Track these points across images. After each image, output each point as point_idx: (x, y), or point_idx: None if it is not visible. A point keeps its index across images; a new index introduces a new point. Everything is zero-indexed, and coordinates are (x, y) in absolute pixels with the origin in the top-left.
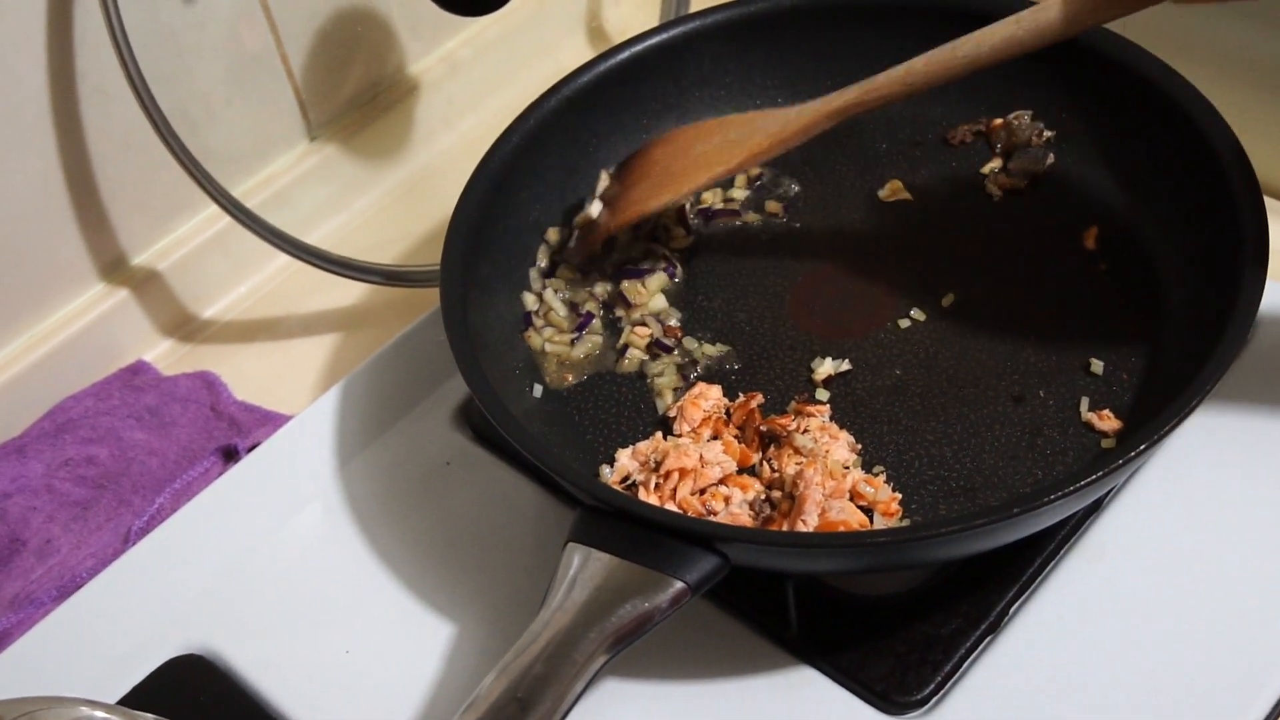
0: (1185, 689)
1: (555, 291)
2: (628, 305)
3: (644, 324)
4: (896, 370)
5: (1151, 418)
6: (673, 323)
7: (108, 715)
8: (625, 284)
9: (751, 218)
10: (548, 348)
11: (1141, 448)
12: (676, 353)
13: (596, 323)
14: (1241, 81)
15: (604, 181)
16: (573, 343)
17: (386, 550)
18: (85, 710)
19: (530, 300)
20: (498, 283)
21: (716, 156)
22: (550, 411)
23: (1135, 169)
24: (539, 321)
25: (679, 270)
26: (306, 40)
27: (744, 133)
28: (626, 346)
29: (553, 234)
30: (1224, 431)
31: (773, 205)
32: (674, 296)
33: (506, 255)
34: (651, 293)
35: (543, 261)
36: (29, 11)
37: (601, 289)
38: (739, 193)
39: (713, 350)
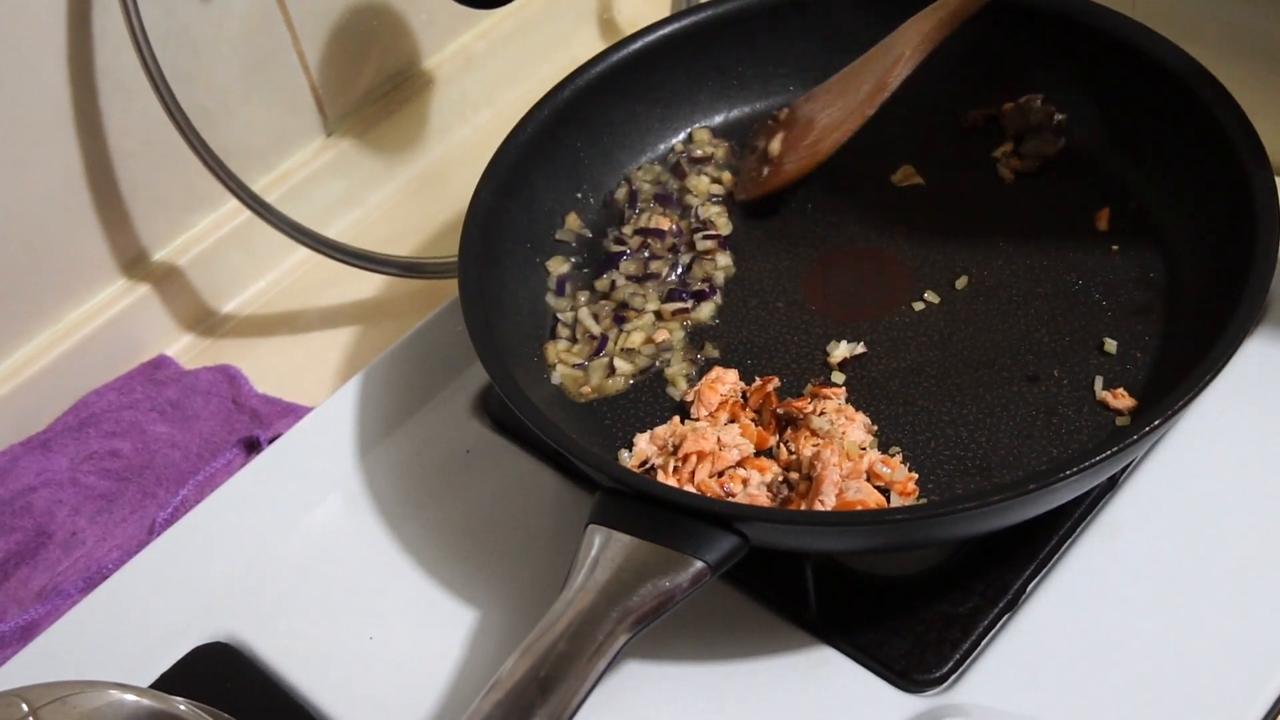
0: (1203, 665)
1: (588, 309)
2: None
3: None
4: (911, 352)
5: (1165, 395)
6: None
7: (139, 698)
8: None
9: (766, 204)
10: (562, 368)
11: (1155, 423)
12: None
13: (612, 345)
14: (1251, 61)
15: (776, 142)
16: (585, 367)
17: (407, 538)
18: (116, 694)
19: (563, 316)
20: (514, 272)
21: (869, 87)
22: (568, 398)
23: (1146, 150)
24: (564, 333)
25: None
26: (322, 36)
27: (882, 59)
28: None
29: (557, 262)
30: (1239, 408)
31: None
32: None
33: (522, 245)
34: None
35: (558, 269)
36: (49, 11)
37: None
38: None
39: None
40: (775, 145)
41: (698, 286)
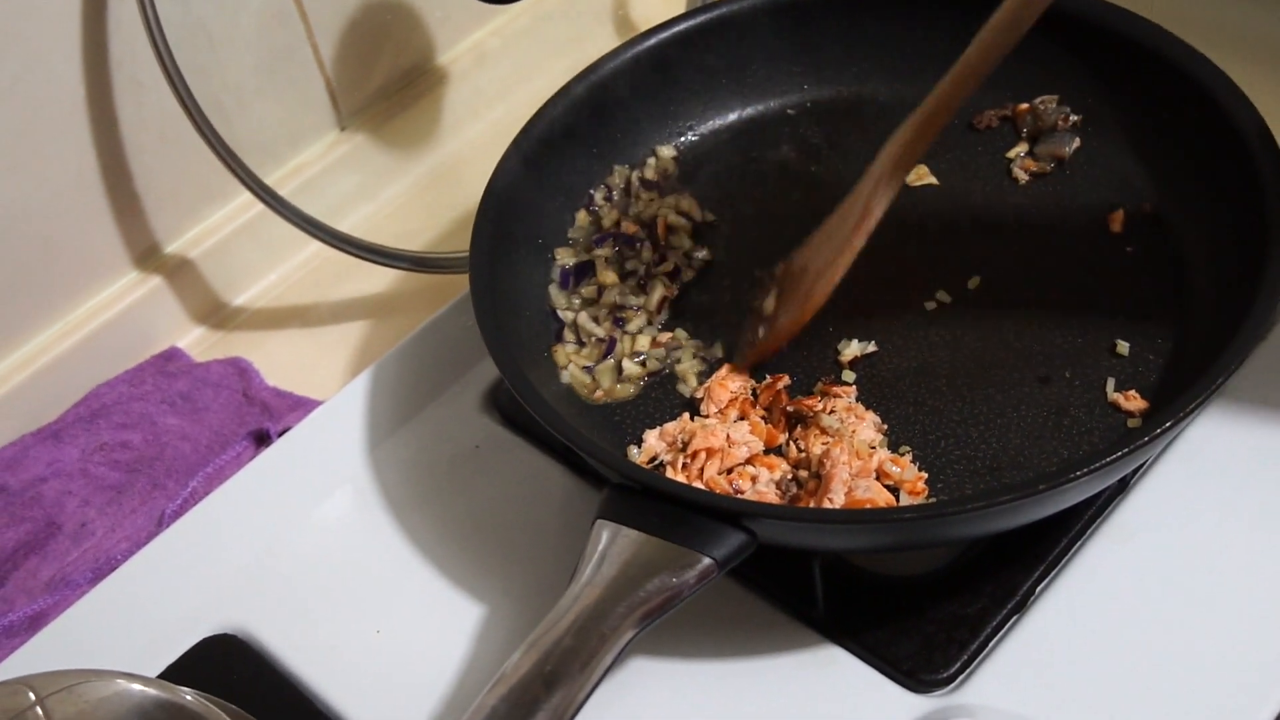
0: (1212, 669)
1: (586, 313)
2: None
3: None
4: (923, 352)
5: (1177, 397)
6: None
7: (146, 688)
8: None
9: (779, 203)
10: (572, 370)
11: (1167, 425)
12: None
13: (620, 348)
14: (1267, 63)
15: (770, 300)
16: (592, 370)
17: (416, 532)
18: (123, 683)
19: (563, 314)
20: (525, 268)
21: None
22: (578, 395)
23: (1161, 152)
24: (569, 337)
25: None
26: (337, 31)
27: (862, 188)
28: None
29: (564, 253)
30: (1251, 412)
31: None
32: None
33: (534, 241)
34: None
35: (566, 261)
36: (65, 5)
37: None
38: None
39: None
40: (769, 303)
41: (670, 269)
